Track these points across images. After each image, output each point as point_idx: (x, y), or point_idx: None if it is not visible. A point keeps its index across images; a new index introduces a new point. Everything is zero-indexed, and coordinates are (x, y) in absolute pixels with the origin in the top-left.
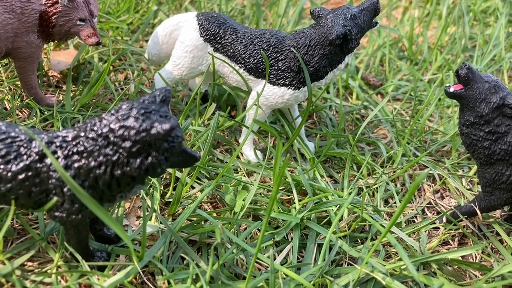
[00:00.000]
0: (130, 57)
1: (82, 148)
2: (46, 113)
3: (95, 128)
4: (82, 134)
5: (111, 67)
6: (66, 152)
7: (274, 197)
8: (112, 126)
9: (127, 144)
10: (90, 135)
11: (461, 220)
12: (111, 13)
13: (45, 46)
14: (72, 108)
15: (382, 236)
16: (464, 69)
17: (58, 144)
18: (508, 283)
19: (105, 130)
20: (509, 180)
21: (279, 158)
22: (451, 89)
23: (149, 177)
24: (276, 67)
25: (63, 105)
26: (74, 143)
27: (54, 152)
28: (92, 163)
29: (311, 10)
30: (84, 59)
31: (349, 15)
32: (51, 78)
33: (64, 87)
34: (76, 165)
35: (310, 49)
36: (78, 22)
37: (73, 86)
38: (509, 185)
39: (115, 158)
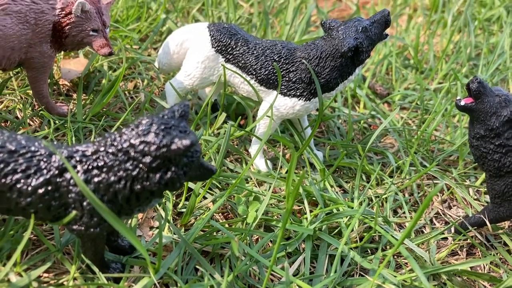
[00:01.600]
0: (140, 65)
1: (102, 163)
2: (57, 122)
3: (115, 143)
4: (102, 148)
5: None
6: (86, 166)
7: (289, 210)
8: (132, 141)
9: (148, 159)
10: (110, 150)
11: (470, 231)
12: (119, 21)
13: None
14: (84, 118)
15: (395, 249)
16: (475, 83)
17: (78, 158)
18: None
19: (125, 145)
20: None
21: (292, 170)
22: (462, 103)
23: (167, 190)
24: (287, 78)
25: (74, 114)
26: (94, 157)
27: (74, 167)
28: (112, 178)
29: (322, 22)
30: (94, 67)
31: (360, 28)
32: (61, 86)
33: (74, 95)
34: (96, 179)
35: (321, 61)
36: (91, 33)
37: (83, 95)
38: None
39: (135, 173)
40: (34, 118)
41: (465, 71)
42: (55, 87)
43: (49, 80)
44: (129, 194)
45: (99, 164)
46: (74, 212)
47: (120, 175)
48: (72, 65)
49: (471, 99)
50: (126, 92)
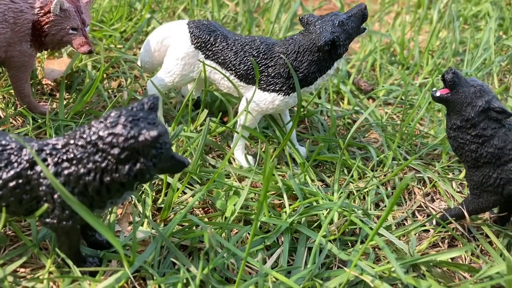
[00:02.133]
0: (123, 64)
1: (71, 155)
2: (39, 121)
3: (84, 136)
4: (72, 141)
5: (104, 75)
6: (56, 159)
7: (262, 200)
8: (100, 133)
9: (116, 151)
10: (80, 143)
11: (451, 223)
12: (104, 22)
13: (38, 54)
14: (66, 116)
15: (370, 239)
16: (450, 74)
17: (48, 151)
18: (496, 283)
19: (94, 137)
20: (496, 183)
21: (268, 163)
22: (438, 94)
23: (139, 183)
24: (266, 74)
25: (57, 113)
26: (64, 150)
27: (44, 160)
28: (82, 170)
29: (300, 17)
30: (78, 67)
31: (337, 22)
32: (44, 86)
33: (58, 95)
34: (66, 172)
35: (299, 56)
36: (70, 31)
37: (67, 94)
38: (496, 188)
39: (104, 165)
40: (17, 117)
41: (450, 65)
42: (38, 86)
43: (32, 80)
44: (99, 186)
45: (69, 157)
46: (45, 205)
47: (90, 167)
48: (55, 65)
49: (446, 90)
50: (110, 90)
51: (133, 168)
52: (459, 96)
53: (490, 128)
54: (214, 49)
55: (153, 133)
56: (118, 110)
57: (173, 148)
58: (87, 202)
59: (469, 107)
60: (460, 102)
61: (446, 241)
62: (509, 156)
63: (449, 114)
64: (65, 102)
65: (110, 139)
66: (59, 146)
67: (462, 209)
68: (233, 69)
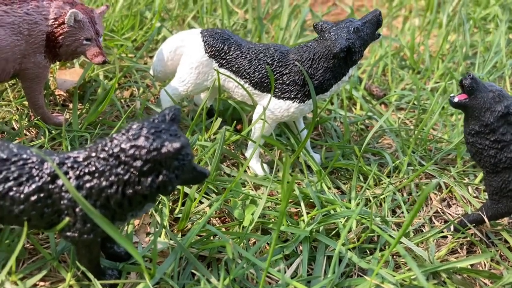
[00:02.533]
0: (135, 74)
1: (93, 168)
2: (53, 132)
3: (106, 148)
4: (93, 154)
5: (116, 85)
6: (77, 172)
7: (283, 211)
8: (123, 145)
9: (138, 163)
10: (101, 155)
11: (469, 228)
12: (115, 31)
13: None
14: (80, 127)
15: (392, 247)
16: (468, 79)
17: (69, 165)
18: None
19: (116, 150)
20: None
21: (286, 173)
22: (456, 99)
23: (160, 194)
24: (281, 81)
25: (70, 123)
26: (85, 163)
27: (66, 173)
28: (104, 183)
29: (314, 24)
30: (90, 77)
31: (352, 28)
32: (57, 97)
33: (71, 105)
34: (87, 185)
35: (314, 63)
36: (84, 42)
37: (80, 104)
38: None
39: (126, 177)
40: (30, 128)
41: (461, 70)
42: (51, 97)
43: (45, 91)
44: (121, 198)
45: (91, 170)
46: (67, 219)
47: (112, 180)
48: (67, 75)
49: (464, 96)
50: (122, 100)
51: (155, 180)
52: (477, 102)
53: (509, 133)
54: (228, 57)
55: (176, 145)
56: (140, 122)
57: None
58: (109, 215)
59: (488, 113)
60: (478, 107)
61: (465, 247)
62: None
63: (467, 119)
64: (78, 113)
65: (132, 151)
66: (81, 159)
67: (482, 214)
68: (248, 77)
